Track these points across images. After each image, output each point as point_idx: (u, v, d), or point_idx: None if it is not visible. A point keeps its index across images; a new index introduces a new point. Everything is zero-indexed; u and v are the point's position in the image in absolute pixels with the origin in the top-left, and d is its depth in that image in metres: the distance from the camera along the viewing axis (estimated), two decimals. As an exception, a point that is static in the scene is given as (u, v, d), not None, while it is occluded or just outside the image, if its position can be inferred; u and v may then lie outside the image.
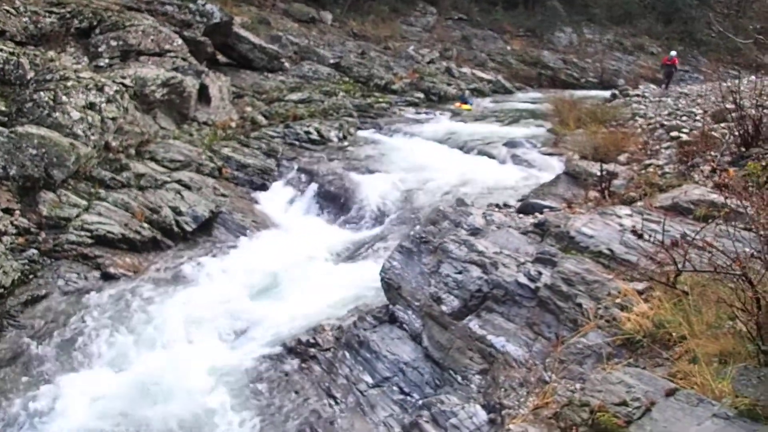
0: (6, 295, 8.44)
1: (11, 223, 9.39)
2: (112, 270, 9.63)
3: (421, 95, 26.26)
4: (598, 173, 9.64)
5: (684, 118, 14.23)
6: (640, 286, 5.30)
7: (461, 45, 37.48)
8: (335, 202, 13.47)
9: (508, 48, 39.10)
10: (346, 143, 17.38)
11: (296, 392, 7.19)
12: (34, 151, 10.17)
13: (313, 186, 14.14)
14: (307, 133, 17.18)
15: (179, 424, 6.69)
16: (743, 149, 9.01)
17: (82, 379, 7.35)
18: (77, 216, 10.19)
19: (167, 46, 17.74)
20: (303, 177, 14.66)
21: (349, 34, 34.43)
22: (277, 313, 8.84)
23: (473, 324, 6.34)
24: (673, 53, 26.65)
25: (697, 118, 13.75)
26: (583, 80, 37.09)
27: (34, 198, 10.11)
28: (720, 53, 38.51)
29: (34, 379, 7.28)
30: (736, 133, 9.26)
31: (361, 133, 18.96)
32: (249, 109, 18.82)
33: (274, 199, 13.96)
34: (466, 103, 23.26)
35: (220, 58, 23.13)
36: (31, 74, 12.33)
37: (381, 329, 7.47)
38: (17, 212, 9.68)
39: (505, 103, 27.22)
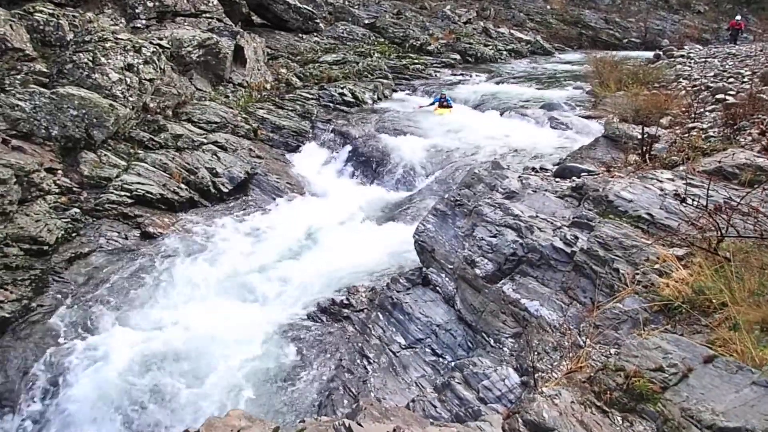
0: (51, 252, 8.72)
1: (54, 182, 9.63)
2: (151, 229, 9.84)
3: (458, 56, 25.86)
4: (639, 136, 9.39)
5: (731, 79, 13.72)
6: (680, 251, 5.18)
7: (499, 4, 36.61)
8: (369, 165, 13.45)
9: (548, 7, 38.06)
10: (380, 105, 17.27)
11: (330, 351, 7.32)
12: (75, 112, 10.35)
13: (348, 148, 14.15)
14: (342, 95, 17.10)
15: (213, 377, 6.89)
16: (794, 112, 8.66)
17: (122, 333, 7.59)
18: (117, 176, 10.40)
19: (203, 7, 17.76)
20: (337, 139, 14.66)
21: (384, -7, 33.87)
22: (311, 273, 8.95)
23: (507, 287, 6.31)
24: (738, 17, 27.83)
25: (745, 79, 13.24)
26: (626, 41, 35.95)
27: (76, 158, 10.34)
28: (772, 11, 36.87)
29: (76, 333, 7.54)
30: (787, 95, 8.90)
31: (396, 95, 18.80)
32: (284, 70, 18.78)
33: (309, 161, 14.02)
34: (445, 105, 16.86)
35: (255, 19, 23.08)
36: (70, 36, 12.49)
37: (414, 291, 7.51)
38: (60, 172, 9.92)
39: (544, 64, 26.59)
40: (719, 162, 6.94)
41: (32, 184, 9.10)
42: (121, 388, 6.71)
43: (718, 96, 11.97)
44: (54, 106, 10.22)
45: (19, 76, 10.78)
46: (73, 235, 9.27)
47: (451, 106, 16.79)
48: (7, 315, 7.54)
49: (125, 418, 6.48)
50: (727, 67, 16.01)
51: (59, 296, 8.20)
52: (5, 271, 7.95)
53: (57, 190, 9.61)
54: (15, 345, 7.28)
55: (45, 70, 11.31)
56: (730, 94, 11.78)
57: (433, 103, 16.98)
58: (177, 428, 6.18)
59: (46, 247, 8.65)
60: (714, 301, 4.30)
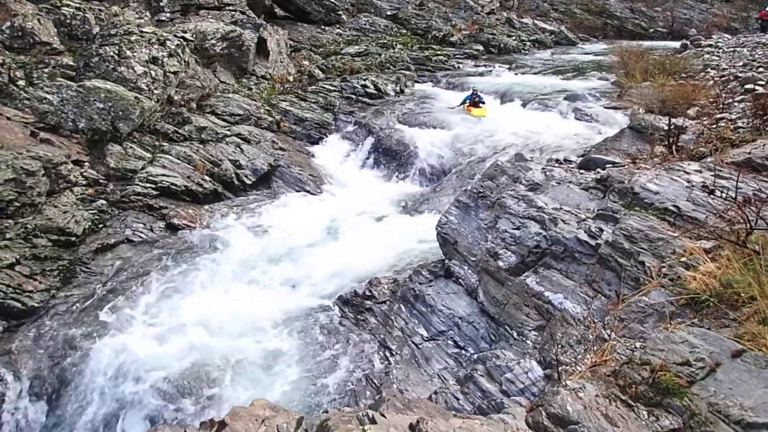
0: (78, 243, 8.88)
1: (81, 174, 9.79)
2: (176, 221, 9.96)
3: (480, 47, 25.65)
4: (666, 127, 9.24)
5: (760, 69, 13.41)
6: (708, 244, 5.10)
7: (523, -6, 36.17)
8: (391, 157, 13.44)
9: (572, -4, 37.50)
10: (403, 97, 17.21)
11: (352, 342, 7.35)
12: (101, 105, 10.49)
13: (370, 140, 14.14)
14: (364, 86, 17.08)
15: (236, 367, 6.96)
16: (826, 102, 8.45)
17: (147, 324, 7.70)
18: (142, 168, 10.53)
19: (226, 0, 17.85)
20: (360, 131, 14.66)
21: (406, -16, 33.69)
22: (333, 264, 8.98)
23: (530, 280, 6.28)
24: None
25: (776, 69, 12.94)
26: (652, 30, 35.30)
27: (102, 150, 10.49)
28: (804, -1, 35.94)
29: (104, 322, 7.67)
30: (820, 85, 8.68)
31: (418, 87, 18.72)
32: (306, 62, 18.81)
33: (331, 153, 14.05)
34: (477, 102, 14.85)
35: (278, 11, 23.14)
36: (96, 29, 12.65)
37: (436, 283, 7.50)
38: (87, 164, 10.07)
39: (568, 54, 26.27)
40: (748, 153, 6.82)
41: (60, 176, 9.26)
42: (144, 378, 6.81)
43: (747, 86, 11.72)
44: (81, 99, 10.37)
45: (46, 70, 10.96)
46: (100, 226, 9.43)
47: (484, 103, 15.03)
48: (36, 304, 7.70)
49: (149, 406, 6.58)
50: (756, 56, 15.64)
51: (87, 286, 8.34)
52: (34, 262, 8.11)
53: (84, 182, 9.77)
54: (43, 334, 7.43)
55: (72, 63, 11.47)
56: (759, 84, 11.53)
57: (464, 102, 15.28)
58: (201, 417, 6.26)
59: (73, 238, 8.81)
60: (742, 294, 4.22)
